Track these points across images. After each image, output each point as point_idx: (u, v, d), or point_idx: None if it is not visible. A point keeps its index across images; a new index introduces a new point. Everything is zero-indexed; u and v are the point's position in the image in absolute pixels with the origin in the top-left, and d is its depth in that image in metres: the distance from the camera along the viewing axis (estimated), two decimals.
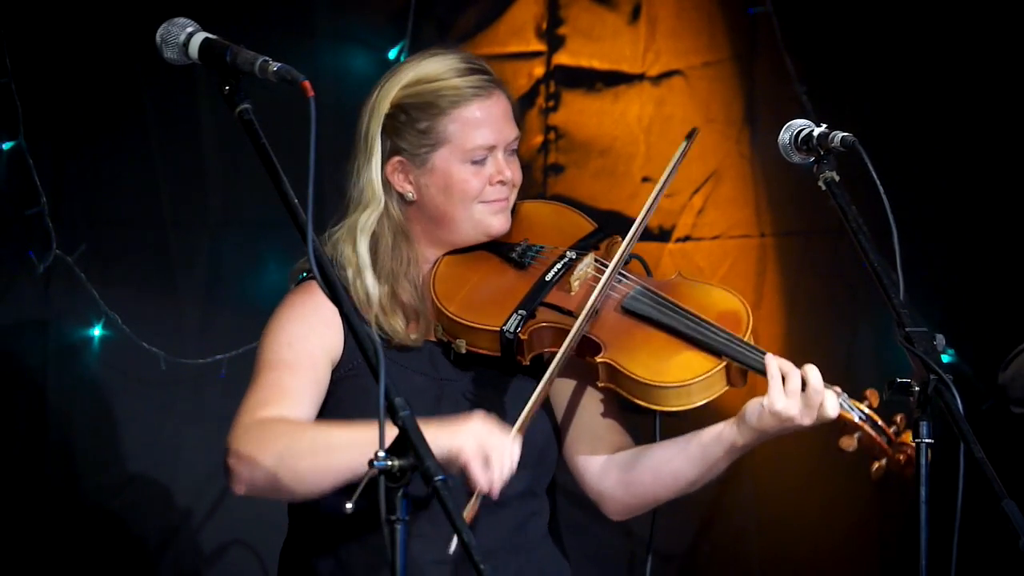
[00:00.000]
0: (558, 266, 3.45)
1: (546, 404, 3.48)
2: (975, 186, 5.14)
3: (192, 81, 5.16)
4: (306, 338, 3.39)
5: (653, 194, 3.49)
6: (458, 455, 3.09)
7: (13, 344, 5.11)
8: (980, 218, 5.14)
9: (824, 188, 3.29)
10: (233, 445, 3.30)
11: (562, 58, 5.33)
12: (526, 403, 3.36)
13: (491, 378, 3.44)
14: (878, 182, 3.21)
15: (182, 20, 2.90)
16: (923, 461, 3.06)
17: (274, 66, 2.77)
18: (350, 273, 3.47)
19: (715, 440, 3.32)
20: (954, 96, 5.14)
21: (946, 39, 5.14)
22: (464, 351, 3.40)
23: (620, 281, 3.42)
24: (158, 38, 2.90)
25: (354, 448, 3.15)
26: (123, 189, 5.20)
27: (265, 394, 3.36)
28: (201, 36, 2.87)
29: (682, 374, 3.26)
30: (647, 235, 5.20)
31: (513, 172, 3.50)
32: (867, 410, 3.18)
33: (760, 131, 5.27)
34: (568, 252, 3.48)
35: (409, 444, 2.69)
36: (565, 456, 3.51)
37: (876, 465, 3.17)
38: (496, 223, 3.49)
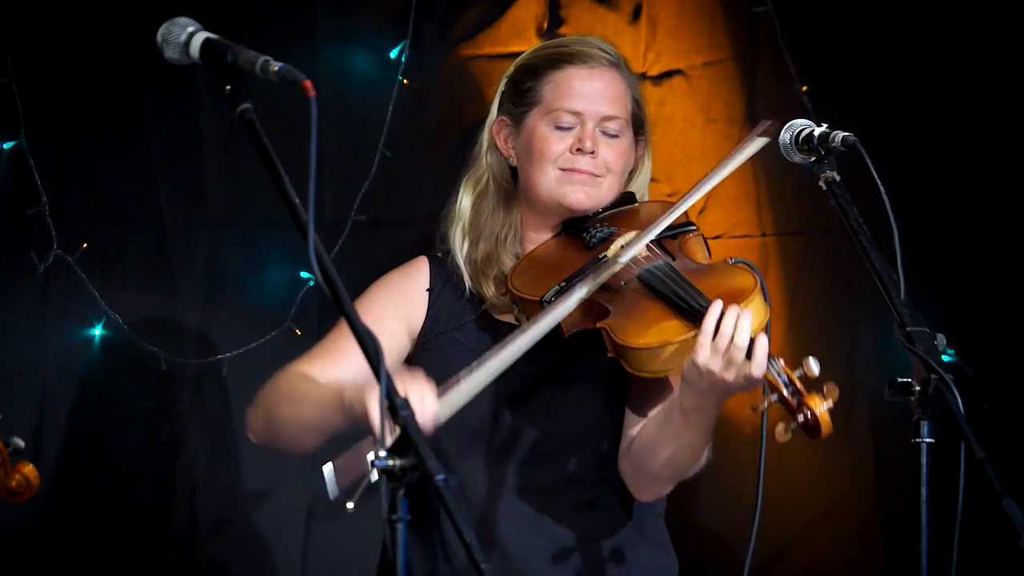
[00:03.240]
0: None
1: (602, 386, 3.45)
2: (976, 186, 5.14)
3: (192, 81, 5.16)
4: (382, 306, 3.47)
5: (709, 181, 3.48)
6: (363, 402, 3.08)
7: (13, 344, 5.11)
8: (981, 218, 5.14)
9: (825, 188, 3.29)
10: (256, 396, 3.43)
11: None
12: (574, 386, 3.40)
13: (548, 364, 3.43)
14: (879, 182, 3.21)
15: (183, 20, 2.90)
16: (924, 461, 3.06)
17: (275, 66, 2.77)
18: (454, 229, 3.56)
19: (671, 403, 3.31)
20: (954, 96, 5.14)
21: (946, 39, 5.13)
22: None
23: (655, 258, 3.40)
24: (159, 38, 2.89)
25: (316, 405, 3.26)
26: (123, 189, 5.20)
27: (315, 351, 3.47)
28: (202, 36, 2.87)
29: (656, 338, 3.24)
30: None
31: (606, 152, 3.49)
32: (791, 372, 3.15)
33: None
34: (631, 236, 3.45)
35: (410, 443, 2.69)
36: None
37: (780, 426, 3.13)
38: (571, 194, 3.49)
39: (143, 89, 5.17)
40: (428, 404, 3.06)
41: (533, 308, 3.39)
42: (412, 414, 2.69)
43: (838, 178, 3.29)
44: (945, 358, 3.11)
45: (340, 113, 5.20)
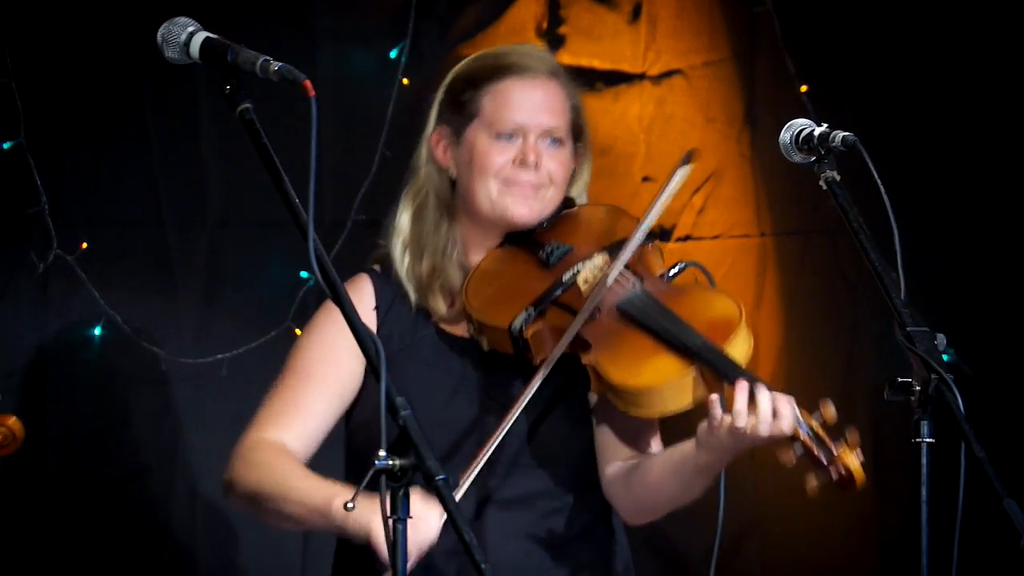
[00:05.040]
0: (578, 266, 3.42)
1: (574, 402, 3.45)
2: (975, 185, 5.15)
3: (192, 81, 5.16)
4: (332, 341, 3.40)
5: (658, 201, 3.46)
6: (369, 537, 3.12)
7: (13, 344, 5.12)
8: (980, 218, 5.15)
9: (825, 188, 3.29)
10: (230, 462, 3.38)
11: (563, 58, 5.32)
12: (546, 401, 3.39)
13: (513, 379, 3.40)
14: (879, 182, 3.21)
15: (183, 20, 2.90)
16: (924, 461, 3.06)
17: (275, 65, 2.77)
18: (395, 243, 3.51)
19: (684, 458, 3.28)
20: (954, 96, 5.14)
21: (946, 39, 5.14)
22: (487, 348, 3.39)
23: (628, 283, 3.38)
24: (159, 38, 2.89)
25: (304, 507, 3.25)
26: (123, 189, 5.20)
27: (278, 407, 3.42)
28: (202, 35, 2.87)
29: (652, 378, 3.22)
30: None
31: (548, 163, 3.45)
32: (815, 425, 3.14)
33: (760, 131, 5.28)
34: (592, 253, 3.44)
35: (410, 444, 2.69)
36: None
37: (811, 481, 3.14)
38: (513, 207, 3.45)
39: (143, 89, 5.17)
40: (429, 529, 3.12)
41: (499, 335, 3.35)
42: (413, 413, 2.69)
43: (838, 178, 3.29)
44: (945, 357, 3.11)
45: (340, 113, 5.20)
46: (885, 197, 3.22)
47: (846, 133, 3.29)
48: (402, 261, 3.48)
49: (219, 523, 5.17)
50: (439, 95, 3.54)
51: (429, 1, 5.27)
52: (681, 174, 3.44)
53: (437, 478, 2.66)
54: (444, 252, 3.48)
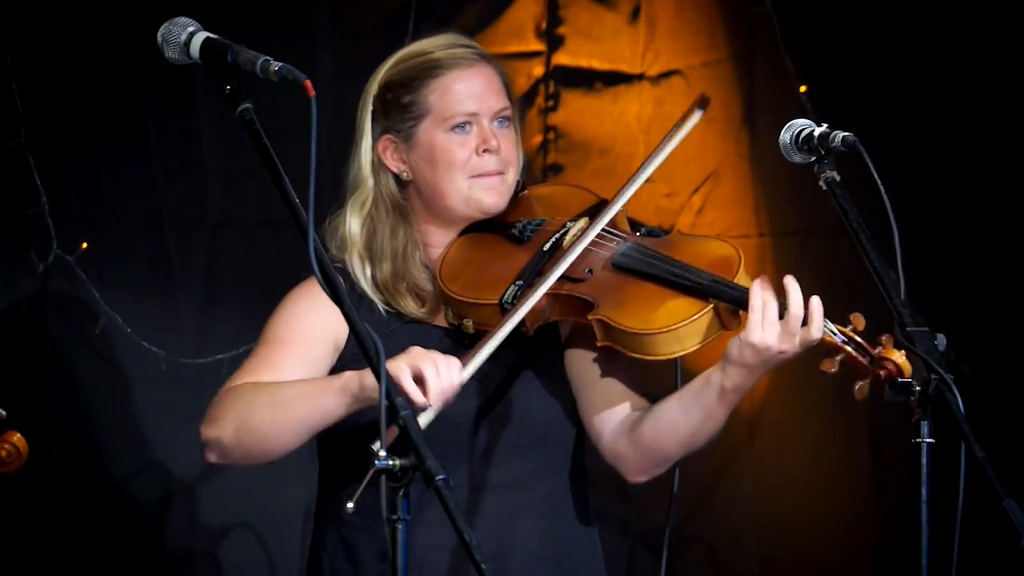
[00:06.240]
0: (556, 236, 3.45)
1: (559, 378, 3.47)
2: (975, 185, 5.15)
3: (192, 81, 5.16)
4: (306, 318, 3.42)
5: (655, 157, 3.50)
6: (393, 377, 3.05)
7: (13, 344, 5.12)
8: (980, 218, 5.15)
9: (825, 188, 3.30)
10: (209, 410, 3.35)
11: (561, 58, 5.33)
12: (534, 380, 3.41)
13: (501, 357, 3.40)
14: (879, 182, 3.22)
15: (183, 20, 2.91)
16: (924, 461, 3.06)
17: (275, 65, 2.78)
18: (347, 255, 3.50)
19: (705, 385, 3.30)
20: (954, 96, 5.15)
21: (946, 39, 5.14)
22: (472, 330, 3.40)
23: (613, 241, 3.41)
24: (159, 38, 2.90)
25: (307, 399, 3.23)
26: (123, 189, 5.20)
27: (249, 366, 3.41)
28: (202, 36, 2.88)
29: (669, 319, 3.25)
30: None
31: (503, 144, 3.49)
32: (850, 332, 3.18)
33: (759, 131, 5.28)
34: (567, 223, 3.48)
35: (410, 444, 2.69)
36: (584, 424, 3.48)
37: (859, 384, 3.16)
38: (487, 199, 3.48)
39: (142, 89, 5.17)
40: (453, 369, 3.11)
41: (488, 312, 3.38)
42: (413, 414, 2.69)
43: (838, 178, 3.29)
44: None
45: (339, 113, 5.20)
46: (885, 197, 3.22)
47: (846, 133, 3.30)
48: (363, 271, 3.49)
49: (218, 523, 5.18)
50: (368, 105, 3.56)
51: (429, 1, 5.27)
52: (694, 120, 3.48)
53: (437, 478, 2.67)
54: (404, 255, 3.50)
